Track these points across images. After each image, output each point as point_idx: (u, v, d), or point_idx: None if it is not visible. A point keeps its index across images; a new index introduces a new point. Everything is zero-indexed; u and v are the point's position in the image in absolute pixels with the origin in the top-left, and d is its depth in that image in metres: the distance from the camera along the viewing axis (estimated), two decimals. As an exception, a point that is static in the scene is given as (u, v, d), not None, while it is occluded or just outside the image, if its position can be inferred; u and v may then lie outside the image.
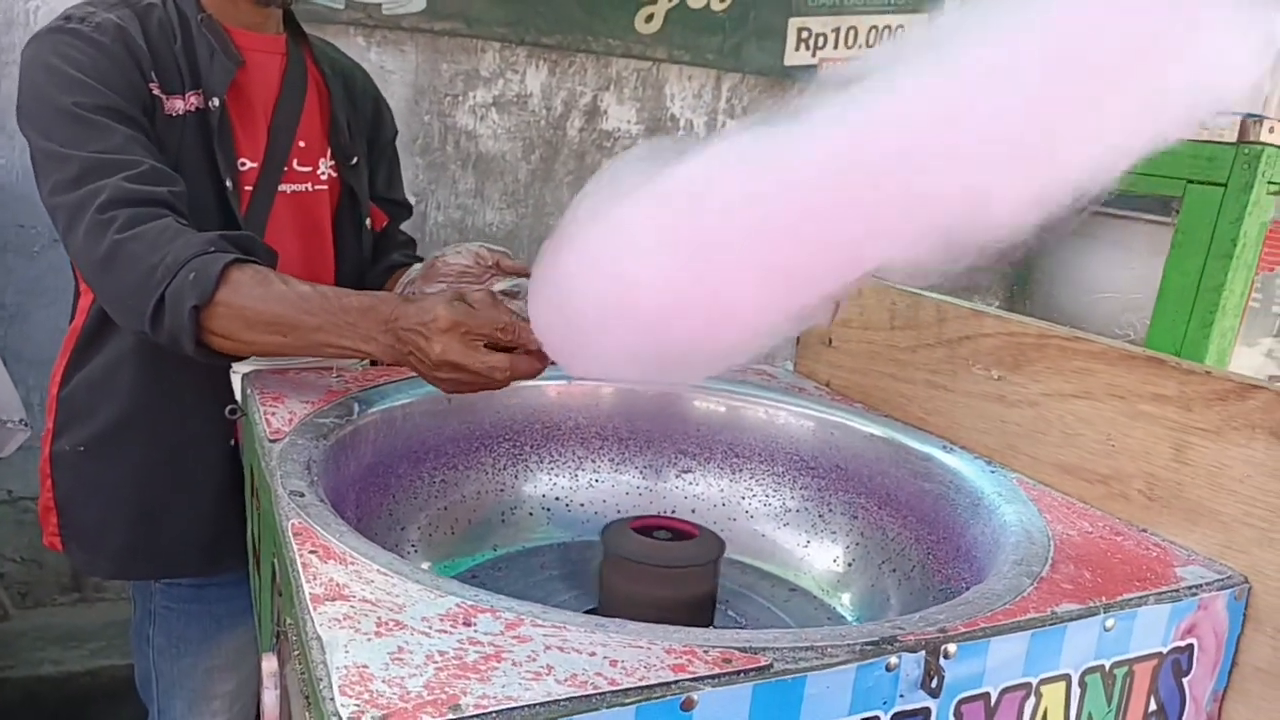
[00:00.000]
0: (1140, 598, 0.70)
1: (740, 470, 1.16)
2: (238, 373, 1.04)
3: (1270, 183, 0.86)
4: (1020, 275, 1.22)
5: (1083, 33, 0.60)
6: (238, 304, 0.94)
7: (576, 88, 2.45)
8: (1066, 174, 0.61)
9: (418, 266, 1.19)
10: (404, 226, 1.43)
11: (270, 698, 0.60)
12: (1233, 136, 0.85)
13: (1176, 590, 0.72)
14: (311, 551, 0.62)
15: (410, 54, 2.22)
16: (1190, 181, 0.86)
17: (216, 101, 1.10)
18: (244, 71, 1.14)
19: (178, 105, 1.09)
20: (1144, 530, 0.83)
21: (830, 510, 1.09)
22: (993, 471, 0.95)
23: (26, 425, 1.32)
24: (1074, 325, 0.96)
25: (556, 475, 1.15)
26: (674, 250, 0.69)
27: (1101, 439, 0.86)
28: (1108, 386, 0.85)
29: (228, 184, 1.12)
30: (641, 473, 1.17)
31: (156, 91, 1.08)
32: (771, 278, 0.68)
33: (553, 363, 0.85)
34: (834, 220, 0.65)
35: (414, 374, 0.93)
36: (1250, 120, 0.84)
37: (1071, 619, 0.66)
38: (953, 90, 0.62)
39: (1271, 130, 0.84)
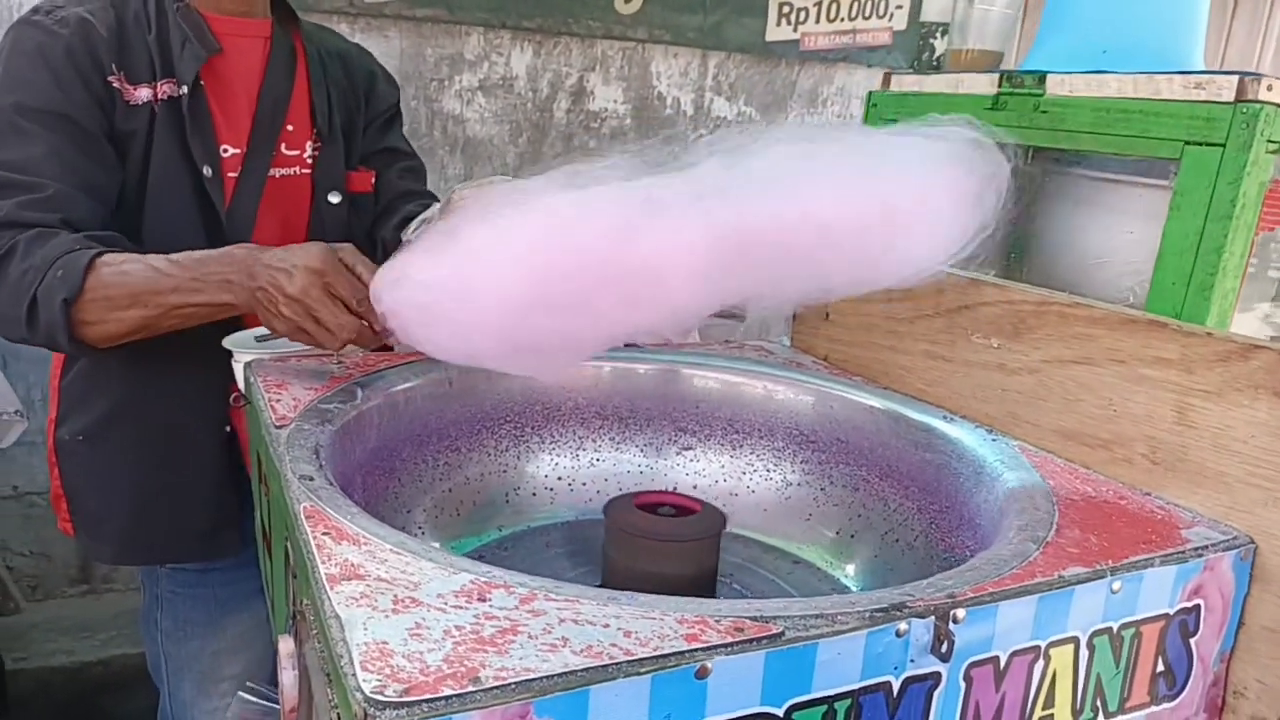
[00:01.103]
0: (1146, 560, 0.70)
1: (740, 446, 1.16)
2: (239, 361, 1.04)
3: (1270, 141, 0.86)
4: (1017, 243, 1.22)
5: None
6: (102, 289, 0.96)
7: (562, 69, 2.43)
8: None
9: (436, 206, 1.19)
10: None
11: (288, 678, 0.61)
12: (1230, 95, 0.85)
13: (1182, 552, 0.72)
14: (325, 533, 0.62)
15: (394, 39, 2.20)
16: (1188, 143, 0.86)
17: (185, 89, 1.10)
18: (223, 58, 1.14)
19: (142, 94, 1.09)
20: (1148, 494, 0.84)
21: (831, 483, 1.10)
22: (994, 440, 0.95)
23: (23, 416, 1.32)
24: (1073, 292, 0.97)
25: (558, 455, 1.15)
26: (530, 269, 0.77)
27: (1103, 404, 0.86)
28: (1108, 351, 0.85)
29: (206, 171, 1.12)
30: (642, 451, 1.18)
31: (117, 84, 1.08)
32: (594, 317, 0.78)
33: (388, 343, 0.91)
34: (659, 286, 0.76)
35: (397, 357, 0.95)
36: (1248, 79, 0.84)
37: (1078, 582, 0.67)
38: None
39: (1270, 88, 0.84)
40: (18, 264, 0.98)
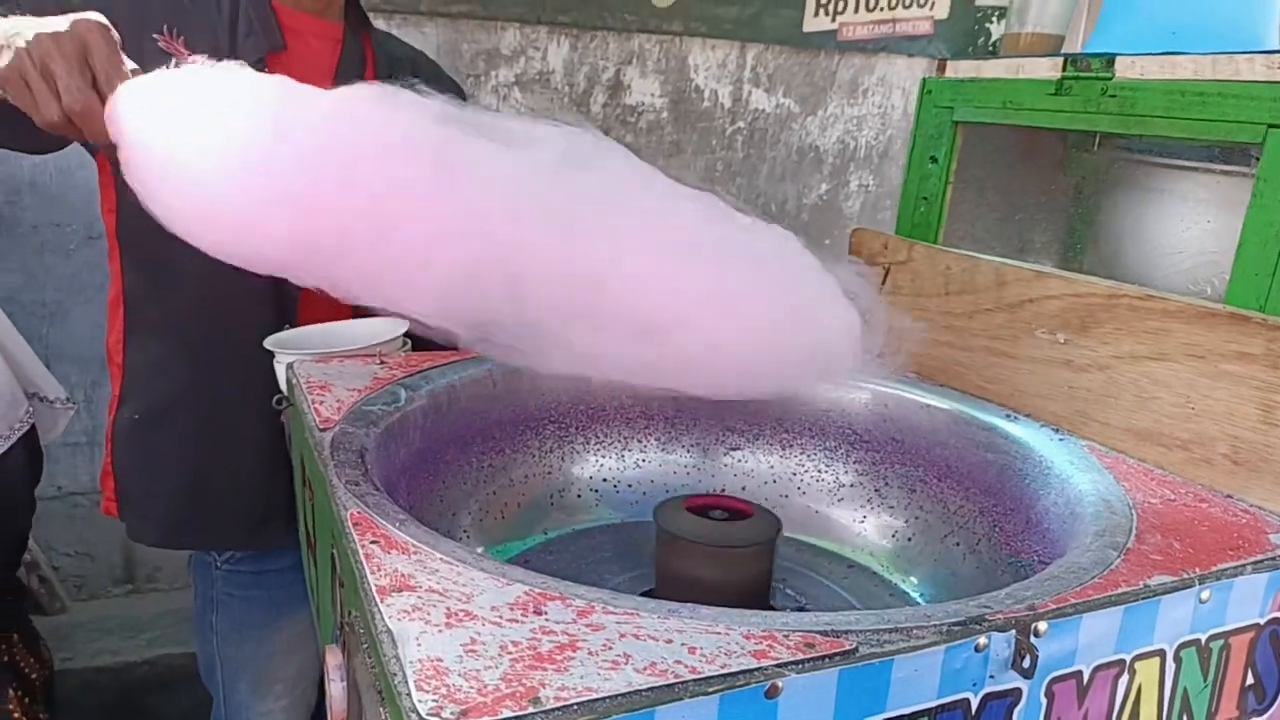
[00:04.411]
0: (1236, 567, 0.66)
1: (791, 446, 1.13)
2: (281, 363, 1.03)
3: (1361, 122, 0.81)
4: (1079, 235, 1.17)
5: None
6: None
7: (599, 63, 2.40)
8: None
9: None
10: None
11: (337, 689, 0.59)
12: (1320, 75, 0.80)
13: (1274, 558, 0.68)
14: (373, 542, 0.60)
15: (431, 35, 2.19)
16: (1271, 126, 0.81)
17: None
18: (291, 55, 1.14)
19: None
20: (1229, 496, 0.79)
21: (887, 484, 1.06)
22: (1061, 439, 0.91)
23: (71, 403, 1.33)
24: (1142, 285, 0.92)
25: (604, 456, 1.13)
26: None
27: (1180, 402, 0.82)
28: (1186, 346, 0.81)
29: None
30: (689, 451, 1.15)
31: (164, 45, 1.07)
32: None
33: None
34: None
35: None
36: (1339, 57, 0.79)
37: (1165, 592, 0.63)
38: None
39: (1362, 67, 0.79)
40: None
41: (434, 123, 0.73)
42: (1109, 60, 0.93)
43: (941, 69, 1.14)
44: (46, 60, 0.77)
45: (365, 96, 0.74)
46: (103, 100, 0.78)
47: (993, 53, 2.70)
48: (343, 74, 1.19)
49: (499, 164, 0.71)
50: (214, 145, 0.71)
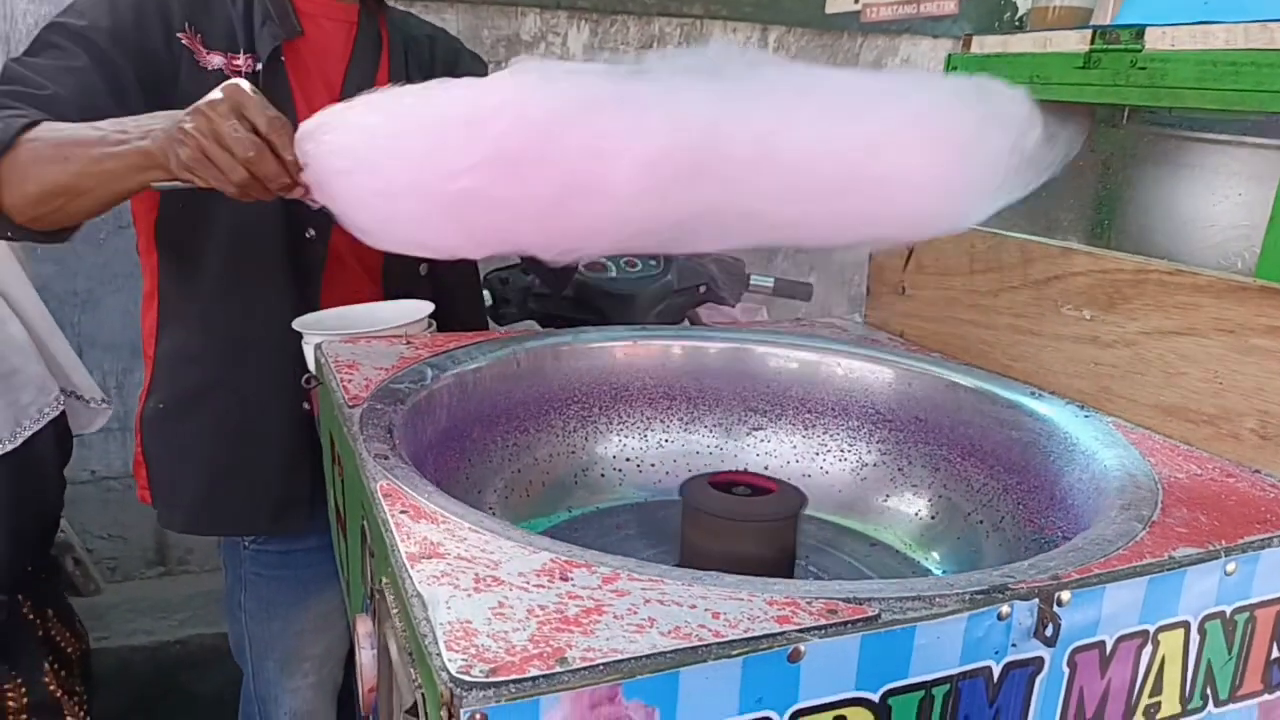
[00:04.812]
0: (1263, 540, 0.66)
1: (813, 426, 1.13)
2: (309, 343, 1.05)
3: (1396, 91, 0.80)
4: (1106, 210, 1.16)
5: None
6: (31, 144, 0.94)
7: (619, 47, 2.40)
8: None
9: None
10: None
11: (367, 657, 0.60)
12: (1353, 42, 0.78)
13: (1301, 531, 0.68)
14: (403, 512, 0.61)
15: (451, 21, 2.20)
16: (1306, 96, 0.80)
17: (260, 66, 1.11)
18: (306, 40, 1.15)
19: (215, 60, 1.10)
20: (1257, 471, 0.79)
21: (910, 463, 1.06)
22: (1087, 416, 0.91)
23: (108, 403, 1.36)
24: (1170, 259, 0.91)
25: (627, 436, 1.14)
26: (470, 129, 0.76)
27: (1209, 377, 0.81)
28: (1215, 321, 0.80)
29: None
30: (712, 431, 1.16)
31: (187, 41, 1.09)
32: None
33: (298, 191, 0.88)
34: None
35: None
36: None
37: (1191, 563, 0.63)
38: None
39: (1397, 33, 0.77)
40: None
41: (606, 75, 0.80)
42: (1139, 31, 0.91)
43: (967, 44, 1.13)
44: (214, 128, 0.85)
45: (530, 69, 0.80)
46: (270, 146, 0.85)
47: (1019, 27, 2.66)
48: (357, 56, 1.20)
49: (679, 86, 0.79)
50: (420, 153, 0.78)
